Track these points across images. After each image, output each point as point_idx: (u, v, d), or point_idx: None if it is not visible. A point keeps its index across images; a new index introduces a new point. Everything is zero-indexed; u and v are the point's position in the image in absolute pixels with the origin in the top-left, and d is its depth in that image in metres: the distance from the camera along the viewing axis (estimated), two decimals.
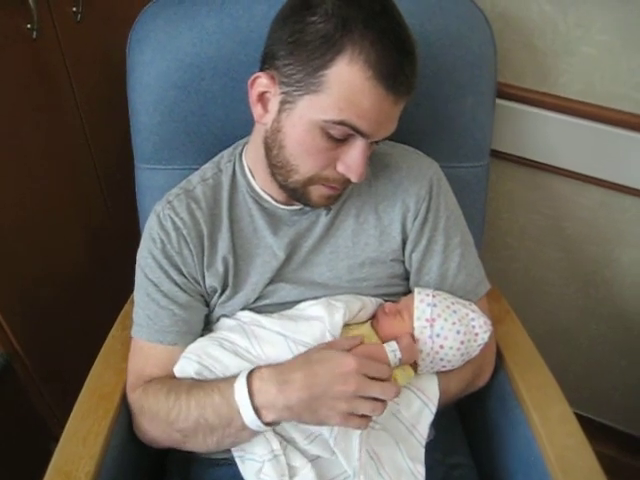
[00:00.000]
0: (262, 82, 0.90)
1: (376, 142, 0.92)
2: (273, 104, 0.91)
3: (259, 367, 0.92)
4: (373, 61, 0.80)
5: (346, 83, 0.82)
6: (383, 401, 0.88)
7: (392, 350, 0.95)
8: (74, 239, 1.52)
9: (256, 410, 0.88)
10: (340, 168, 0.91)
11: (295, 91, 0.86)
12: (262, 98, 0.92)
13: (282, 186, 0.97)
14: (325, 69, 0.82)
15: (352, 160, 0.89)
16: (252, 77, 0.91)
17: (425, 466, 0.99)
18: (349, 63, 0.81)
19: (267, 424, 0.90)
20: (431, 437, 1.06)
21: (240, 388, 0.89)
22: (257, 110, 0.93)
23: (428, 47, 1.11)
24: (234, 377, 0.92)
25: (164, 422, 0.97)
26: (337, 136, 0.87)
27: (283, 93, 0.88)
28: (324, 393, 0.86)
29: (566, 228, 1.52)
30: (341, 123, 0.84)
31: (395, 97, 0.84)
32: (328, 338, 0.96)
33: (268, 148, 0.94)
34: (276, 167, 0.95)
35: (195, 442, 0.98)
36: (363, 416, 0.88)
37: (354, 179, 0.91)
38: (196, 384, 0.96)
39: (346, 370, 0.86)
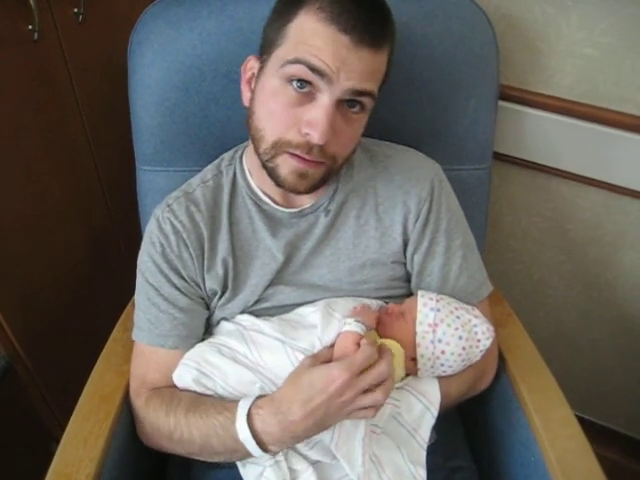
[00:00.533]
0: (252, 65, 0.95)
1: (349, 104, 0.89)
2: (255, 82, 0.94)
3: (256, 404, 0.91)
4: (327, 5, 0.84)
5: (301, 28, 0.86)
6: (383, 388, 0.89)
7: (349, 324, 0.94)
8: (75, 241, 1.52)
9: (262, 446, 0.89)
10: (304, 128, 0.88)
11: (266, 55, 0.91)
12: (250, 81, 0.95)
13: (263, 165, 0.96)
14: (288, 23, 0.87)
15: (314, 116, 0.87)
16: (245, 62, 0.96)
17: (426, 469, 0.98)
18: (306, 13, 0.85)
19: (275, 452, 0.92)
20: (432, 440, 1.05)
21: (243, 431, 0.89)
22: (245, 94, 0.96)
23: (430, 50, 1.12)
24: (231, 411, 0.91)
25: (167, 439, 0.98)
26: (298, 85, 0.87)
27: (260, 64, 0.92)
28: (326, 412, 0.86)
29: (568, 230, 1.51)
30: (296, 61, 0.85)
31: (352, 40, 0.83)
32: (317, 346, 0.96)
33: (248, 126, 0.96)
34: (253, 140, 0.96)
35: (200, 458, 1.00)
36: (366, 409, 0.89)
37: (316, 138, 0.87)
38: (193, 407, 0.96)
39: (339, 384, 0.84)
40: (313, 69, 0.84)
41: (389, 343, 0.98)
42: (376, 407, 0.89)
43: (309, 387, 0.86)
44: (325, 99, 0.86)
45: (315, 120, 0.86)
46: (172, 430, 0.96)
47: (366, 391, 0.87)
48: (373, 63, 0.87)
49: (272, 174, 0.95)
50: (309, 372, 0.88)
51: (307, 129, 0.87)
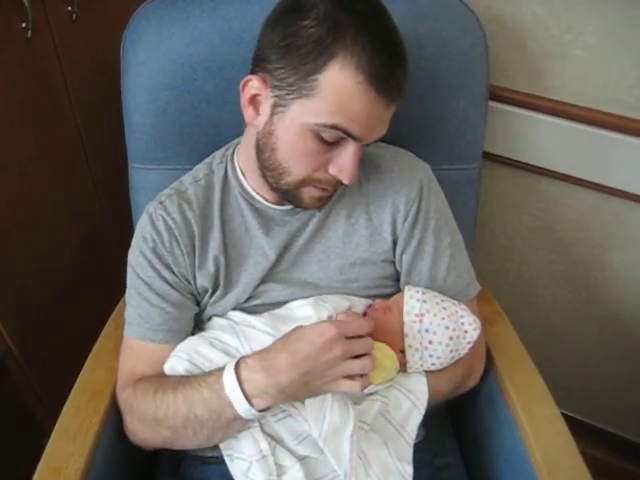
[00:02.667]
0: (254, 85, 0.90)
1: (367, 144, 0.92)
2: (265, 107, 0.91)
3: (244, 357, 0.92)
4: (364, 65, 0.81)
5: (338, 87, 0.83)
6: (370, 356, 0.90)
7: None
8: (68, 238, 1.52)
9: (248, 400, 0.88)
10: (332, 170, 0.92)
11: (287, 95, 0.87)
12: (254, 101, 0.92)
13: (274, 188, 0.98)
14: (317, 74, 0.83)
15: (344, 163, 0.90)
16: (244, 80, 0.92)
17: (413, 466, 0.99)
18: (341, 68, 0.81)
19: (261, 411, 0.90)
20: (420, 437, 1.06)
21: (229, 381, 0.89)
22: (248, 113, 0.93)
23: (420, 50, 1.12)
24: (220, 370, 0.92)
25: (153, 420, 0.97)
26: (329, 139, 0.87)
27: (275, 96, 0.89)
28: (313, 366, 0.87)
29: (558, 230, 1.52)
30: (333, 127, 0.85)
31: (386, 100, 0.85)
32: None
33: (260, 150, 0.95)
34: (268, 169, 0.95)
35: (185, 438, 0.98)
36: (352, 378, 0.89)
37: (346, 181, 0.92)
38: (182, 380, 0.96)
39: (327, 337, 0.86)
40: (349, 134, 0.86)
41: (381, 347, 0.99)
42: (363, 382, 0.89)
43: (298, 338, 0.89)
44: (353, 147, 0.89)
45: (345, 166, 0.91)
46: (158, 405, 0.95)
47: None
48: (394, 110, 0.91)
49: (291, 199, 0.99)
50: (301, 327, 0.91)
51: (336, 173, 0.92)
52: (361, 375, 0.90)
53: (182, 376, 0.98)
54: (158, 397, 0.96)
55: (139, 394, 1.00)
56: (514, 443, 1.07)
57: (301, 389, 0.89)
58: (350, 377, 0.89)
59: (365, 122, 0.85)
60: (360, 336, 0.92)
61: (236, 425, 0.93)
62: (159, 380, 0.99)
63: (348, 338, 0.89)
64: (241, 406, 0.88)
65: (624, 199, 1.36)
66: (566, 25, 1.21)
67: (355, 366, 0.88)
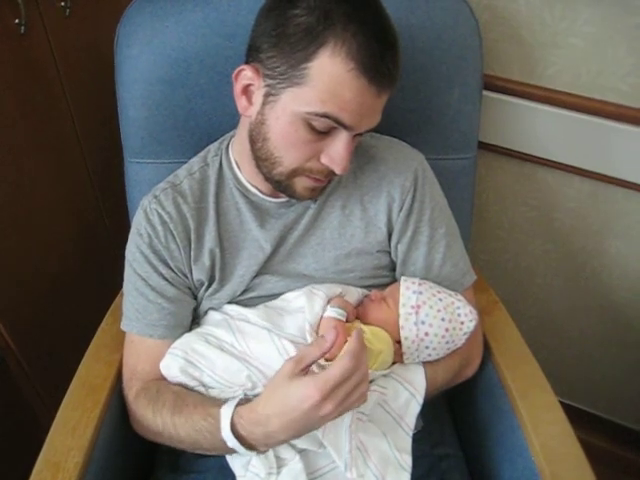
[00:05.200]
0: (246, 75, 0.91)
1: (360, 134, 0.92)
2: (257, 97, 0.91)
3: (237, 412, 0.89)
4: (355, 53, 0.81)
5: (328, 75, 0.82)
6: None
7: (330, 309, 0.96)
8: (64, 233, 1.52)
9: (252, 447, 0.89)
10: (324, 160, 0.92)
11: (279, 84, 0.87)
12: (246, 91, 0.92)
13: (267, 178, 0.98)
14: (308, 62, 0.83)
15: (336, 152, 0.90)
16: (237, 70, 0.92)
17: (412, 457, 0.99)
18: (331, 55, 0.81)
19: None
20: (419, 428, 1.06)
21: (229, 438, 0.88)
22: (241, 103, 0.94)
23: (413, 40, 1.12)
24: (215, 417, 0.90)
25: (157, 435, 1.00)
26: (320, 129, 0.88)
27: (267, 86, 0.89)
28: (306, 424, 0.85)
29: (555, 220, 1.52)
30: (324, 116, 0.85)
31: (378, 89, 0.85)
32: (307, 329, 0.97)
33: (252, 140, 0.95)
34: (260, 159, 0.95)
35: (185, 449, 1.01)
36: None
37: (338, 171, 0.92)
38: (178, 410, 0.96)
39: (313, 402, 0.80)
40: (340, 123, 0.86)
41: (376, 331, 1.00)
42: (364, 397, 0.87)
43: (283, 404, 0.84)
44: (345, 137, 0.89)
45: (337, 156, 0.91)
46: (161, 430, 0.97)
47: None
48: (386, 99, 0.90)
49: (283, 189, 0.99)
50: (286, 386, 0.84)
51: (328, 162, 0.91)
52: None
53: (176, 394, 0.99)
54: (159, 422, 0.98)
55: (140, 408, 1.01)
56: (512, 432, 1.07)
57: (302, 434, 0.88)
58: None
59: (356, 111, 0.85)
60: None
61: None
62: (156, 401, 0.99)
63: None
64: (247, 453, 0.90)
65: (621, 187, 1.36)
66: (560, 13, 1.21)
67: (352, 404, 0.85)
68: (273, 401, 0.86)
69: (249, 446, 0.89)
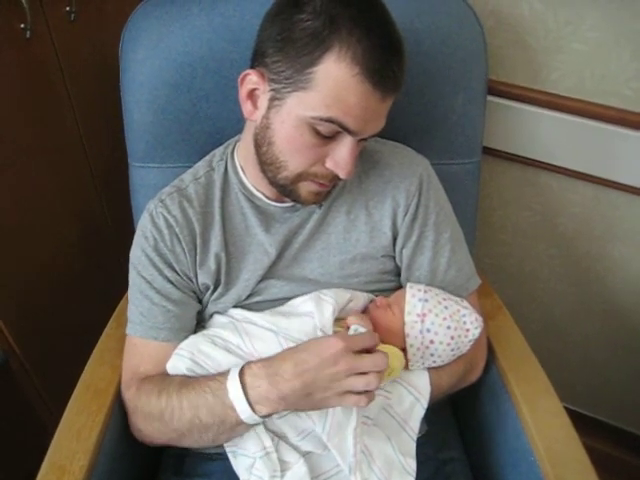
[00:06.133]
0: (252, 79, 0.91)
1: (365, 139, 0.92)
2: (262, 101, 0.91)
3: (249, 363, 0.92)
4: (360, 58, 0.81)
5: (333, 80, 0.83)
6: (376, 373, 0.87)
7: (355, 329, 0.95)
8: (69, 237, 1.52)
9: (251, 405, 0.88)
10: (329, 164, 0.92)
11: (284, 88, 0.87)
12: (252, 95, 0.93)
13: (272, 182, 0.98)
14: (313, 66, 0.83)
15: (340, 157, 0.90)
16: (242, 74, 0.92)
17: (417, 461, 0.99)
18: (336, 60, 0.82)
19: (263, 416, 0.90)
20: (423, 432, 1.07)
21: (233, 386, 0.89)
22: (247, 107, 0.94)
23: (418, 45, 1.12)
24: (224, 375, 0.92)
25: (158, 422, 0.98)
26: (325, 133, 0.88)
27: (272, 90, 0.89)
28: (316, 378, 0.86)
29: (559, 224, 1.52)
30: (329, 120, 0.85)
31: (382, 94, 0.85)
32: (319, 334, 0.96)
33: (258, 145, 0.95)
34: (265, 163, 0.96)
35: (190, 440, 0.99)
36: (359, 393, 0.87)
37: (343, 176, 0.92)
38: (186, 383, 0.96)
39: (334, 351, 0.85)
40: (344, 127, 0.86)
41: (388, 348, 0.99)
42: (369, 396, 0.88)
43: (306, 349, 0.88)
44: (350, 141, 0.89)
45: (342, 161, 0.91)
46: (163, 409, 0.96)
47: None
48: (391, 104, 0.90)
49: (288, 193, 0.99)
50: (312, 339, 0.91)
51: (333, 167, 0.92)
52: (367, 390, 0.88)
53: (186, 376, 0.99)
54: (162, 400, 0.96)
55: (143, 395, 1.00)
56: (517, 436, 1.07)
57: (303, 400, 0.88)
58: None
59: (361, 115, 0.85)
60: (370, 350, 0.90)
61: (240, 429, 0.93)
62: (163, 381, 1.00)
63: (358, 352, 0.88)
64: (244, 411, 0.89)
65: (624, 192, 1.37)
66: (564, 19, 1.21)
67: (359, 383, 0.86)
68: (293, 349, 0.91)
69: (249, 400, 0.88)
